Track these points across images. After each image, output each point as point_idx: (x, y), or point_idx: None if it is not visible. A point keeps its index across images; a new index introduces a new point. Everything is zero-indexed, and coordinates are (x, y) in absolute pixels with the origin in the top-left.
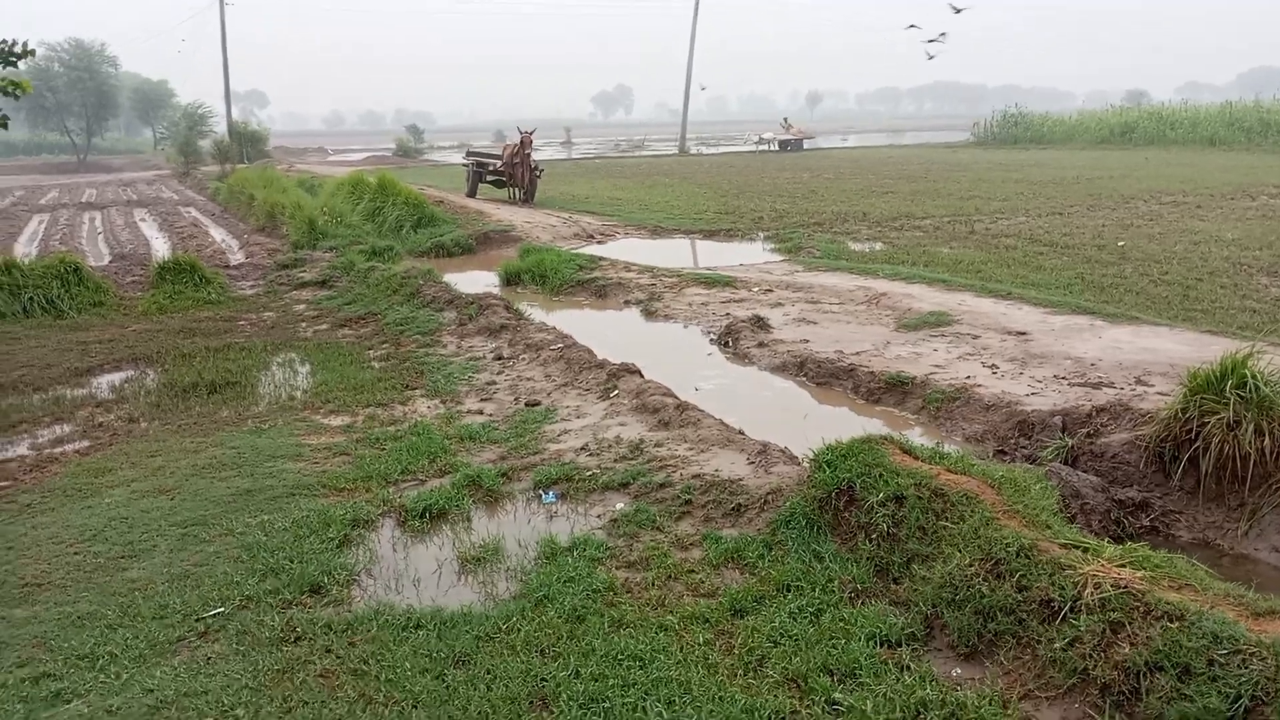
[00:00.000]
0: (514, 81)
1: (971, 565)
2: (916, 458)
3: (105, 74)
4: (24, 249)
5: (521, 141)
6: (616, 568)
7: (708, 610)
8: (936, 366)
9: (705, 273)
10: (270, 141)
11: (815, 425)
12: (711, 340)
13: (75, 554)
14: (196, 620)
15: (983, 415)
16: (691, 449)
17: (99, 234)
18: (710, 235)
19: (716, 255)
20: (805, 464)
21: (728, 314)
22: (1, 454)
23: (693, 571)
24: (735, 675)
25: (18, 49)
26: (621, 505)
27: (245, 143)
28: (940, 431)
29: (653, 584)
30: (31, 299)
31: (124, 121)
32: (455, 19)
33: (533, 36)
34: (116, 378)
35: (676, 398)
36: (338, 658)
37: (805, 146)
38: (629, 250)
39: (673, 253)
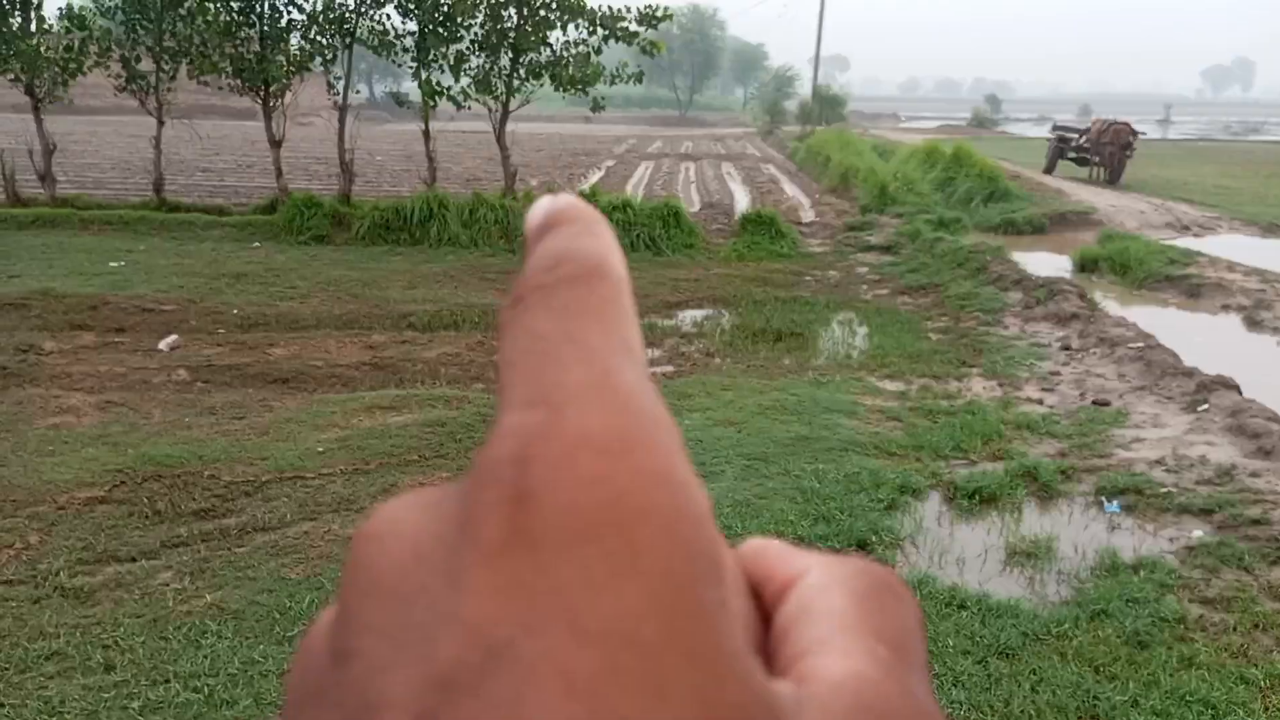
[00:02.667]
0: (1107, 50)
1: None
2: None
3: (713, 37)
4: (631, 191)
5: (1117, 130)
6: (1189, 600)
7: None
8: None
9: None
10: (847, 105)
11: None
12: None
13: None
14: None
15: None
16: None
17: (692, 183)
18: None
19: None
20: None
21: None
22: None
23: None
24: None
25: (658, 13)
26: (1200, 533)
27: (825, 105)
28: None
29: (1233, 628)
30: (638, 235)
31: (720, 81)
32: None
33: (1135, 4)
34: (698, 314)
35: None
36: None
37: None
38: (1233, 247)
39: None
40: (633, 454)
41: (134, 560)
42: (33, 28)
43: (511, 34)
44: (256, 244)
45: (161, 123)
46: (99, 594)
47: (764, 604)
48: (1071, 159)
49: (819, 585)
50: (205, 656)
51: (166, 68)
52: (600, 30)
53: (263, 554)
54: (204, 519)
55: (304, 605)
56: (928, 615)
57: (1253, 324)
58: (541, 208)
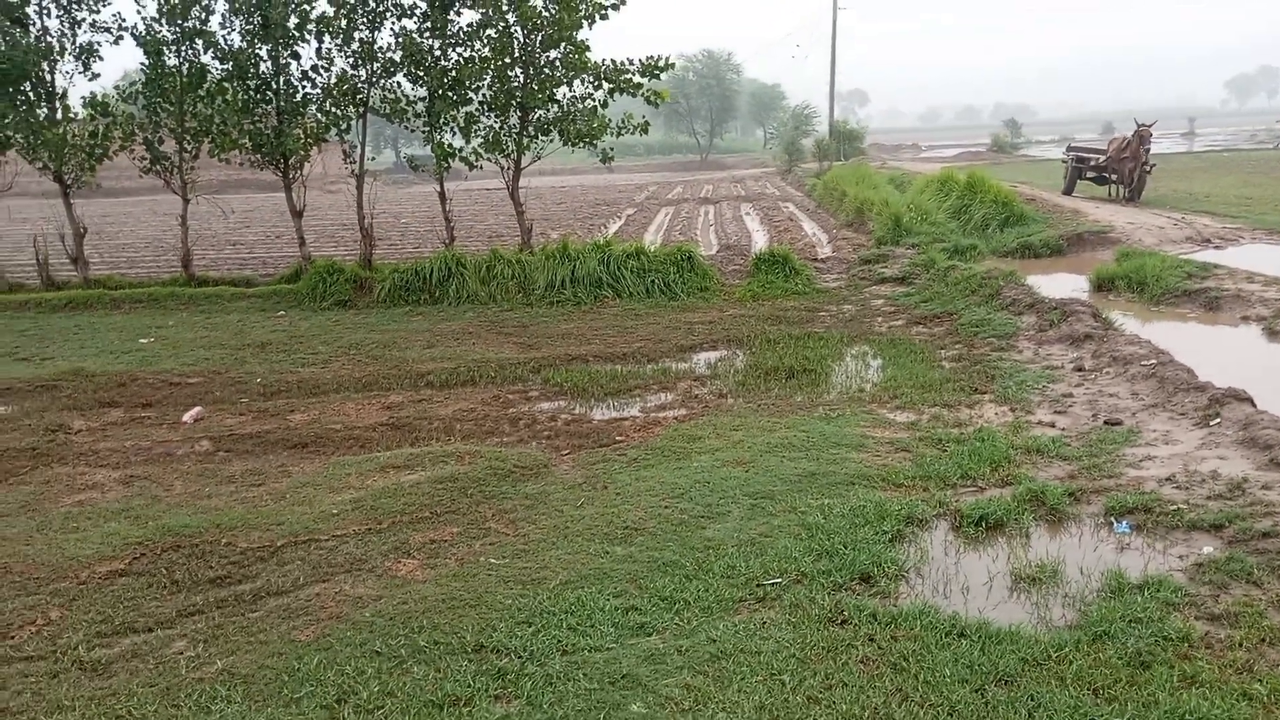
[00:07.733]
0: (1130, 69)
1: None
2: None
3: (729, 80)
4: (651, 237)
5: (1139, 135)
6: (1195, 618)
7: None
8: None
9: None
10: (866, 139)
11: None
12: None
13: (665, 508)
14: (757, 585)
15: None
16: None
17: (711, 226)
18: None
19: None
20: None
21: None
22: (620, 413)
23: None
24: None
25: (660, 64)
26: (1209, 549)
27: (843, 140)
28: None
29: (1239, 644)
30: (653, 281)
31: (740, 123)
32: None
33: (1156, 24)
34: (712, 356)
35: None
36: (880, 648)
37: None
38: (1255, 258)
39: None
40: None
41: (150, 630)
42: (59, 116)
43: (519, 93)
44: (281, 313)
45: (187, 200)
46: (115, 665)
47: None
48: (1090, 179)
49: None
50: None
51: (189, 147)
52: (605, 84)
53: (275, 618)
54: (219, 586)
55: (311, 666)
56: (926, 645)
57: (1273, 334)
58: None
